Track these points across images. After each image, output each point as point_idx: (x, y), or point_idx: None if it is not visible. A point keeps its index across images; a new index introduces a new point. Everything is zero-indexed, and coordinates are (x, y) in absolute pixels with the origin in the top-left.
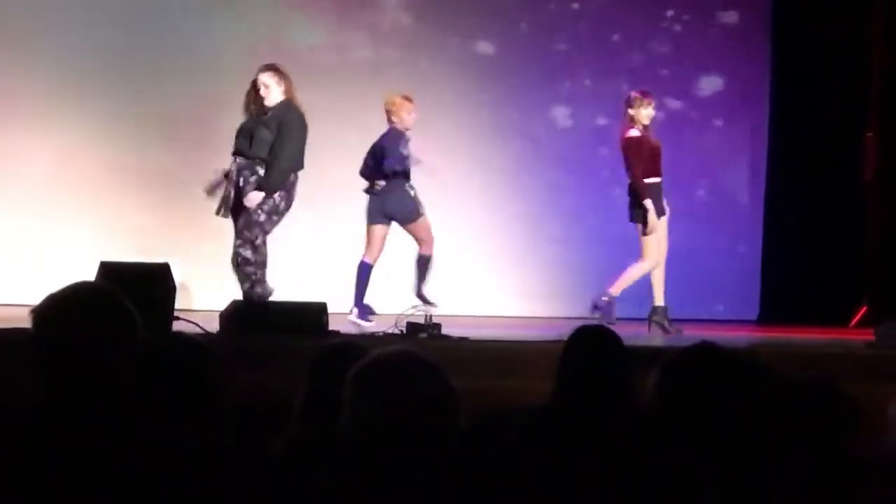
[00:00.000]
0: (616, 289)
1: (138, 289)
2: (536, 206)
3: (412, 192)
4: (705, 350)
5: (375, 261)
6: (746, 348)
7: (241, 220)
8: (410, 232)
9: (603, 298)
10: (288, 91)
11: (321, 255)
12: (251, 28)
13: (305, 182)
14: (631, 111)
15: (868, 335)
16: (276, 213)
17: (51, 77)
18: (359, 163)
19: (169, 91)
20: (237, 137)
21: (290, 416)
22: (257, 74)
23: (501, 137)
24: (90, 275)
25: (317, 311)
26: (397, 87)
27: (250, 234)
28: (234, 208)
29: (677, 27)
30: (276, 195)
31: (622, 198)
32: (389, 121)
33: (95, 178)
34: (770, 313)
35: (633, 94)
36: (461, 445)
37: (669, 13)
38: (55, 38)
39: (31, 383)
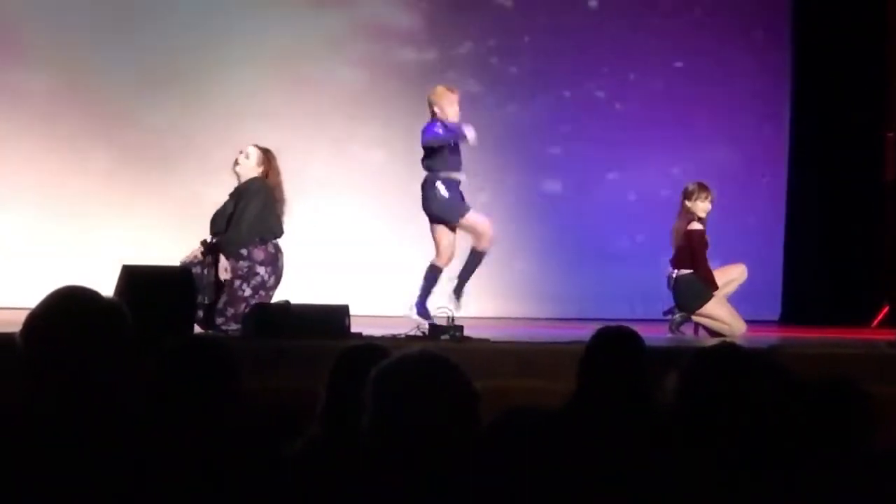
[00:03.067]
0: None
1: (160, 292)
2: (556, 207)
3: (442, 192)
4: (726, 350)
5: (445, 265)
6: (767, 348)
7: (224, 298)
8: (431, 235)
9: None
10: (264, 172)
11: (343, 257)
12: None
13: (328, 183)
14: (688, 203)
15: (890, 335)
16: (263, 289)
17: (55, 78)
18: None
19: (183, 94)
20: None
21: (312, 418)
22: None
23: (520, 138)
24: (92, 277)
25: (339, 314)
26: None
27: (235, 309)
28: (216, 288)
29: (697, 29)
30: (262, 269)
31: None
32: (431, 112)
33: (97, 181)
34: (792, 313)
35: (691, 185)
36: (482, 446)
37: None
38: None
39: (21, 391)
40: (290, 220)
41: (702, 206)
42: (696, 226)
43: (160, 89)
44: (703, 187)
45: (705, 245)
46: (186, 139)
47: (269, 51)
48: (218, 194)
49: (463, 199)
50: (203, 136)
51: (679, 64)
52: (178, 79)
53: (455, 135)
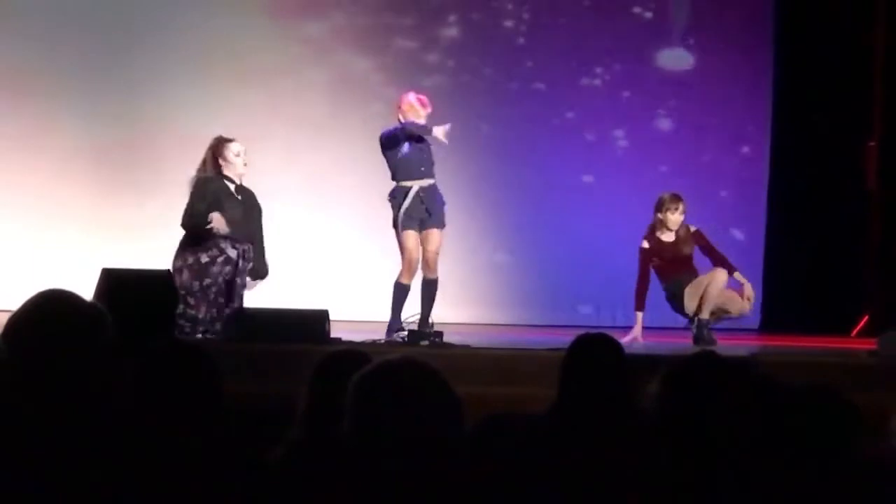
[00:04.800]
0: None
1: (140, 295)
2: (534, 215)
3: (400, 199)
4: (706, 358)
5: (407, 280)
6: (747, 357)
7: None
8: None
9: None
10: (203, 165)
11: (323, 262)
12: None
13: (308, 187)
14: (659, 215)
15: (870, 344)
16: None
17: (53, 78)
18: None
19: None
20: None
21: (292, 423)
22: None
23: (507, 147)
24: (81, 280)
25: (318, 319)
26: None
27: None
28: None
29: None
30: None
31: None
32: (398, 118)
33: (90, 183)
34: (772, 322)
35: (665, 195)
36: (464, 452)
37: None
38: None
39: (2, 394)
40: (270, 225)
41: (672, 219)
42: (644, 244)
43: (145, 92)
44: (675, 198)
45: (645, 268)
46: (171, 143)
47: (250, 56)
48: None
49: (423, 212)
50: (186, 140)
51: (666, 80)
52: (165, 80)
53: (410, 127)
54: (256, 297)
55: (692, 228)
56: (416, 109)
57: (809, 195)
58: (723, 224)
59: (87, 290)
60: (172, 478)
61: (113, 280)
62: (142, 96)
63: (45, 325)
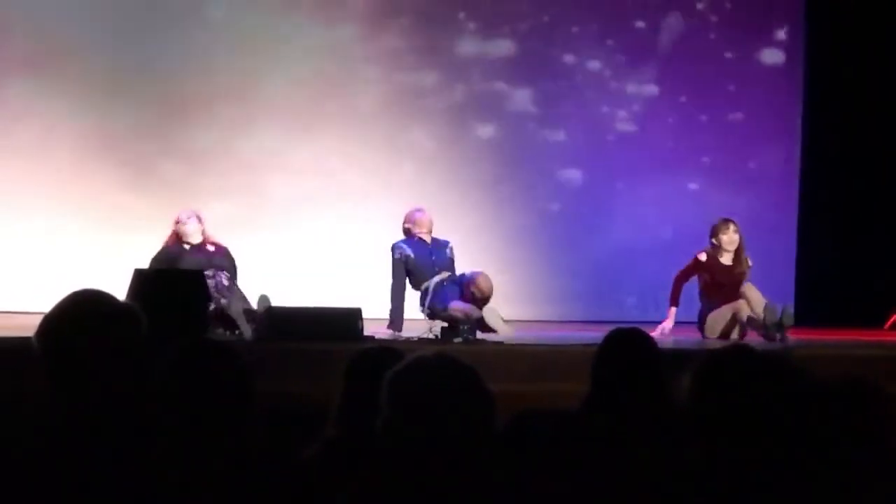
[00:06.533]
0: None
1: (171, 295)
2: (570, 207)
3: (423, 297)
4: (739, 352)
5: None
6: (780, 350)
7: None
8: None
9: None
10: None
11: (356, 260)
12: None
13: (340, 186)
14: (713, 240)
15: None
16: None
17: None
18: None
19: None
20: None
21: (326, 421)
22: None
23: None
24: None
25: (351, 317)
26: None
27: None
28: None
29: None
30: None
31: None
32: (404, 229)
33: (109, 187)
34: (805, 315)
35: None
36: (497, 449)
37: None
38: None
39: (38, 393)
40: (301, 224)
41: (726, 239)
42: (701, 256)
43: (178, 100)
44: (726, 221)
45: (690, 273)
46: (204, 152)
47: (287, 59)
48: (225, 208)
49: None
50: (218, 149)
51: (699, 78)
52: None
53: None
54: (289, 296)
55: (750, 261)
56: (421, 222)
57: (842, 186)
58: (755, 217)
59: (119, 290)
60: (204, 476)
61: (145, 280)
62: (176, 106)
63: (81, 325)
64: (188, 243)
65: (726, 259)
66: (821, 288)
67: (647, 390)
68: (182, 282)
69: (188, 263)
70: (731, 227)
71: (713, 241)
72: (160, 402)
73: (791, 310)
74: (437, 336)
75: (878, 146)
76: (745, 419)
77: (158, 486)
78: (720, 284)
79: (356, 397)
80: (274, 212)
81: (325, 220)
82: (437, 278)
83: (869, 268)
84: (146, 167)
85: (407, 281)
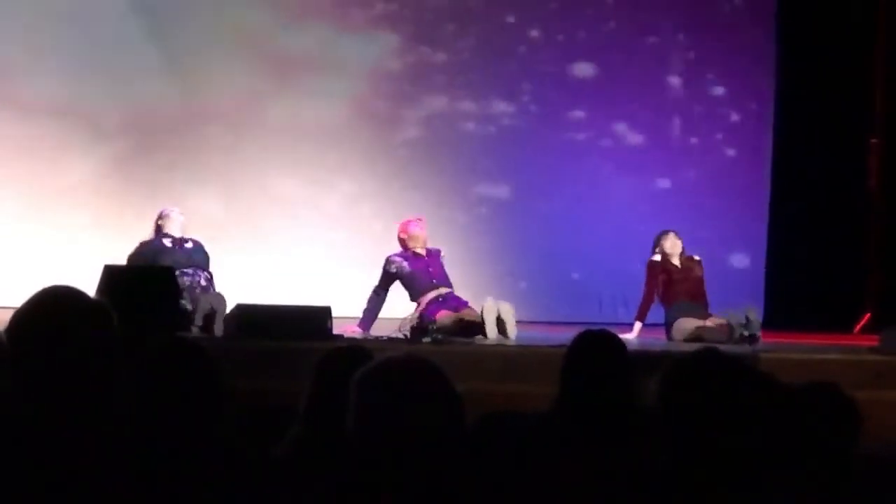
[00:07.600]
0: None
1: (142, 292)
2: (542, 211)
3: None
4: (707, 355)
5: None
6: (748, 354)
7: None
8: None
9: None
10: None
11: (325, 258)
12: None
13: (313, 189)
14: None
15: (872, 341)
16: None
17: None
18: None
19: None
20: None
21: (294, 420)
22: None
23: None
24: (83, 277)
25: (321, 315)
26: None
27: None
28: None
29: (683, 36)
30: None
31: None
32: (399, 239)
33: (89, 182)
34: (774, 319)
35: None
36: (465, 449)
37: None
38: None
39: (6, 389)
40: (272, 222)
41: (668, 244)
42: (653, 258)
43: (153, 94)
44: (664, 232)
45: (654, 279)
46: (177, 144)
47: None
48: (204, 204)
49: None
50: (193, 142)
51: (673, 80)
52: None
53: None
54: (258, 293)
55: (696, 257)
56: (415, 236)
57: (811, 191)
58: (724, 221)
59: (89, 286)
60: (173, 474)
61: (114, 276)
62: (148, 99)
63: (50, 321)
64: (169, 236)
65: (676, 261)
66: (790, 292)
67: (615, 393)
68: (152, 278)
69: (169, 259)
70: (671, 234)
71: (656, 250)
72: (131, 400)
73: (755, 314)
74: (406, 336)
75: (847, 152)
76: (712, 422)
77: (129, 484)
78: (678, 282)
79: (324, 396)
80: (245, 211)
81: (295, 219)
82: (432, 293)
83: (838, 272)
84: (120, 165)
85: (405, 292)
